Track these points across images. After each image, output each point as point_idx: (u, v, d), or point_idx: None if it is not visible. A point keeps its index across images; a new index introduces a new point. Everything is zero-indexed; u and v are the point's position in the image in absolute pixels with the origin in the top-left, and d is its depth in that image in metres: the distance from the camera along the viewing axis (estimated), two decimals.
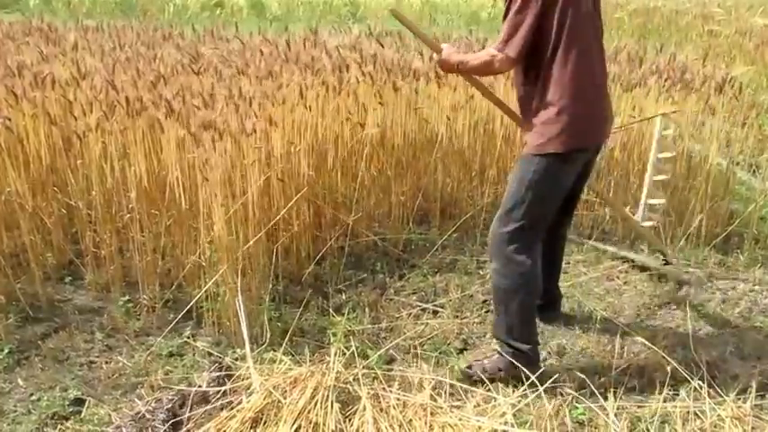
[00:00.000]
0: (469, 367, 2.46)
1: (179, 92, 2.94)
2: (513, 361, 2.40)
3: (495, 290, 2.46)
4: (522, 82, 2.41)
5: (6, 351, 2.54)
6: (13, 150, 3.01)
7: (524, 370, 2.35)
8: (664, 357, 2.53)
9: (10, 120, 2.95)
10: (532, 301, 2.47)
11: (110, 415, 2.21)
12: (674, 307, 3.08)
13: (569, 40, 2.25)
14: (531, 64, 2.32)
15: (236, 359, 2.44)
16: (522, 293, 2.40)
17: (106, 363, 2.53)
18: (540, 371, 2.36)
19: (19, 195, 2.91)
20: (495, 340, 2.56)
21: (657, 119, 3.36)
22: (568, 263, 3.44)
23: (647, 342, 2.66)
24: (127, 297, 2.90)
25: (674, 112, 3.48)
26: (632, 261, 3.44)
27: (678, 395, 2.36)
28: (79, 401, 2.31)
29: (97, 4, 11.00)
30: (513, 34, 2.25)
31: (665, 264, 3.32)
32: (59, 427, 2.18)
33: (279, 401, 2.05)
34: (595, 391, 2.31)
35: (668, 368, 2.48)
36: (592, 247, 3.60)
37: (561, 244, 2.82)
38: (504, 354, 2.43)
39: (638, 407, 2.30)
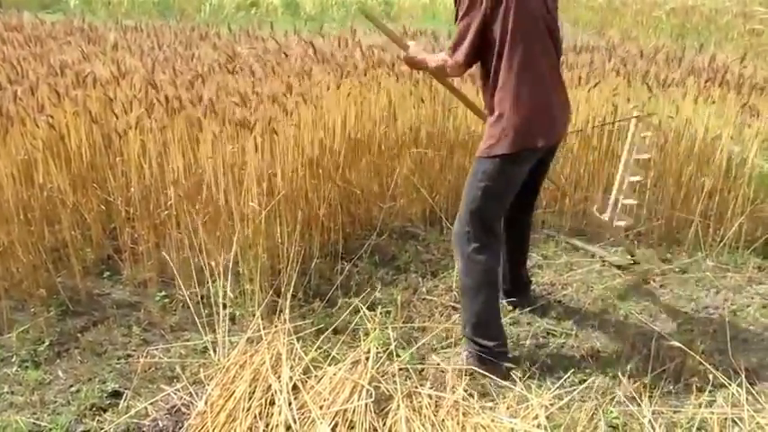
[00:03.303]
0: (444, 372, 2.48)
1: (216, 90, 2.98)
2: (481, 355, 2.46)
3: (461, 289, 2.55)
4: (481, 84, 2.51)
5: (47, 343, 2.60)
6: (56, 147, 3.08)
7: (497, 361, 2.42)
8: (701, 362, 2.49)
9: (52, 117, 3.01)
10: (495, 299, 2.56)
11: (146, 408, 2.25)
12: (712, 311, 3.03)
13: (513, 44, 2.28)
14: (484, 67, 2.40)
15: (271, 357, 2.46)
16: (485, 291, 2.48)
17: (143, 356, 2.57)
18: (507, 364, 2.43)
19: (60, 191, 2.98)
20: (463, 339, 2.60)
21: (632, 121, 3.35)
22: (603, 265, 3.40)
23: (683, 346, 2.62)
24: (163, 293, 2.95)
25: (649, 115, 3.49)
26: (602, 259, 3.46)
27: (715, 401, 2.32)
28: (117, 394, 2.35)
29: (135, 4, 11.16)
30: (462, 39, 2.34)
31: (632, 263, 3.39)
32: (98, 418, 2.23)
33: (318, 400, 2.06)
34: (632, 394, 2.28)
35: (706, 374, 2.44)
36: (565, 242, 3.64)
37: (526, 232, 2.90)
38: (471, 350, 2.50)
39: (674, 412, 2.26)
